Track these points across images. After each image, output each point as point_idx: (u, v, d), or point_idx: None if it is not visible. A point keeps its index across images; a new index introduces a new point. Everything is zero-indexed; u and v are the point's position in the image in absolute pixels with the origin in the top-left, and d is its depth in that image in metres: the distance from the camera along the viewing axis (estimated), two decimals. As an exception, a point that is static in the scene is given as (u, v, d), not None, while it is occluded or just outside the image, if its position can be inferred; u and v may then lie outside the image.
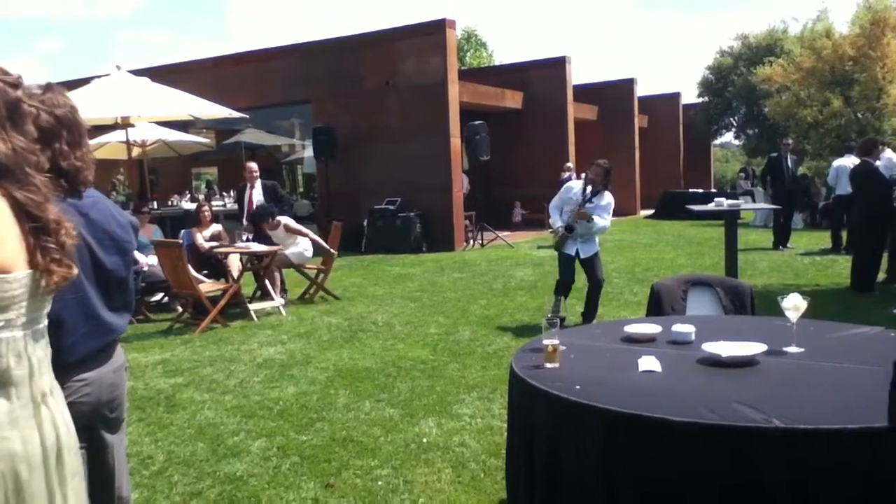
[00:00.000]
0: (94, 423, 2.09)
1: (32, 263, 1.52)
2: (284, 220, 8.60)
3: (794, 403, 2.09)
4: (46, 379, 1.58)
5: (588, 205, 6.73)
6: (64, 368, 1.94)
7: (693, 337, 2.75)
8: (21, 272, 1.49)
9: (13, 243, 1.48)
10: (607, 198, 6.84)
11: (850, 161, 10.66)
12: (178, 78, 13.31)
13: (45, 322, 1.61)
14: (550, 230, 7.00)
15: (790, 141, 13.43)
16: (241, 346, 6.56)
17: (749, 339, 2.59)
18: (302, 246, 8.61)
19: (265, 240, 8.63)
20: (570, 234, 6.76)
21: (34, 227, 1.52)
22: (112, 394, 2.15)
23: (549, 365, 2.48)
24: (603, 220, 6.77)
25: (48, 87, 2.05)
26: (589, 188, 6.79)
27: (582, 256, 6.86)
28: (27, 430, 1.49)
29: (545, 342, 2.51)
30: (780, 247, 12.56)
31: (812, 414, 1.99)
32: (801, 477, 1.86)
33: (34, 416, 1.52)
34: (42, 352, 1.57)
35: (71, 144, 2.03)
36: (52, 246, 1.55)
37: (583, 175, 7.36)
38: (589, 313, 6.93)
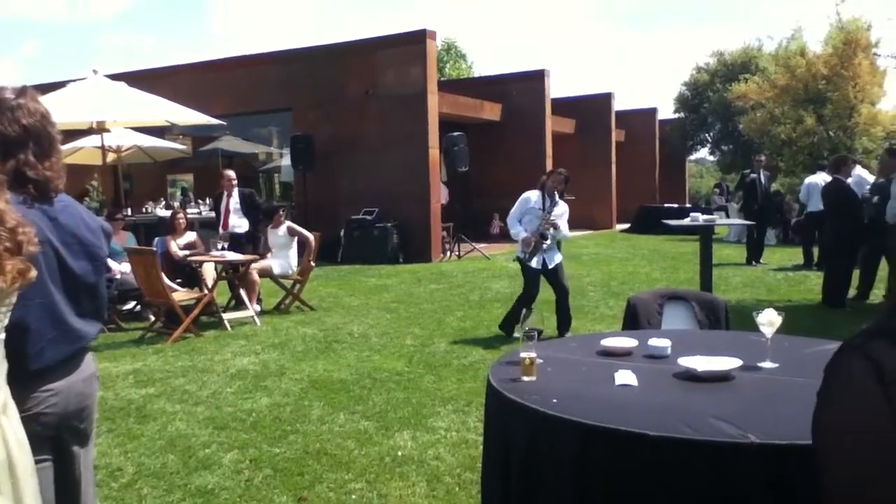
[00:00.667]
0: (60, 434, 2.03)
1: None
2: (288, 221, 8.73)
3: (770, 418, 2.10)
4: (0, 395, 1.52)
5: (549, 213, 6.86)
6: (30, 377, 1.89)
7: (669, 351, 2.75)
8: None
9: None
10: (564, 206, 6.99)
11: (822, 178, 10.83)
12: (157, 83, 13.19)
13: (2, 336, 1.56)
14: (518, 241, 6.94)
15: (763, 157, 13.62)
16: (214, 357, 6.48)
17: (724, 354, 2.60)
18: (289, 261, 8.67)
19: (240, 249, 8.59)
20: (544, 242, 6.80)
21: None
22: (81, 404, 2.09)
23: (525, 378, 2.46)
24: (566, 228, 6.97)
25: (22, 92, 1.99)
26: (556, 196, 6.84)
27: (550, 266, 6.91)
28: None
29: (522, 355, 2.50)
30: (753, 262, 12.70)
31: (787, 429, 1.99)
32: (778, 493, 1.86)
33: None
34: None
35: (38, 155, 1.98)
36: (4, 234, 1.49)
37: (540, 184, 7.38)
38: (565, 322, 6.95)
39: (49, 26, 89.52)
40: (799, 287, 10.13)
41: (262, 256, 8.68)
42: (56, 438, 2.02)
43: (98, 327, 2.20)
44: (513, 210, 7.00)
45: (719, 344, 2.93)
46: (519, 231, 6.87)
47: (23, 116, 1.96)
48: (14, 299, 1.58)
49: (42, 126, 2.00)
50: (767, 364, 2.59)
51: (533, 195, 7.01)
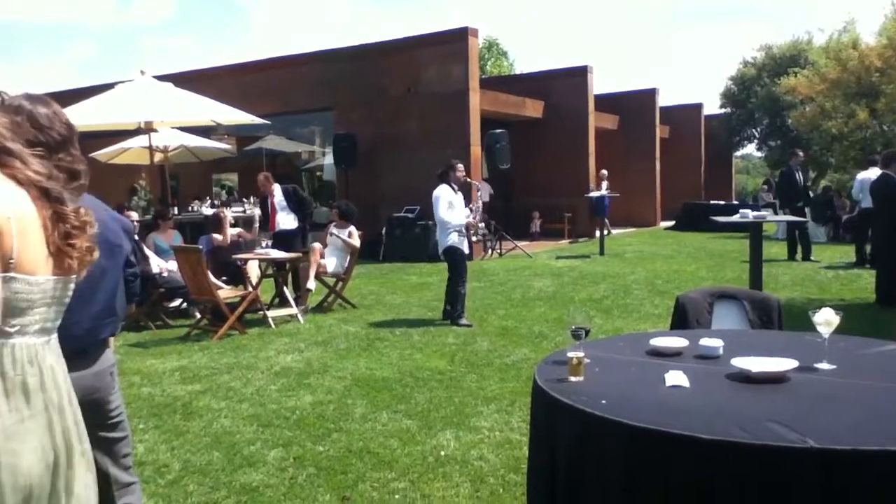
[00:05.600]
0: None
1: (52, 252, 1.48)
2: (352, 227, 8.91)
3: (829, 422, 2.02)
4: (63, 388, 1.55)
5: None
6: None
7: (721, 351, 2.67)
8: (43, 277, 1.47)
9: (36, 239, 1.45)
10: (460, 193, 7.84)
11: (875, 174, 10.49)
12: (202, 84, 13.40)
13: (56, 333, 1.58)
14: (473, 229, 7.86)
15: (801, 153, 13.43)
16: (258, 354, 6.54)
17: (779, 355, 2.52)
18: (340, 262, 8.73)
19: (285, 247, 8.66)
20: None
21: (54, 210, 1.50)
22: (90, 397, 2.17)
23: (573, 378, 2.41)
24: None
25: (44, 101, 2.02)
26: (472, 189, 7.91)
27: (468, 251, 7.91)
28: (41, 441, 1.46)
29: (570, 354, 2.44)
30: (800, 259, 12.48)
31: (848, 434, 1.91)
32: (837, 500, 1.79)
33: (47, 427, 1.48)
34: (54, 361, 1.55)
35: (77, 151, 2.07)
36: (70, 214, 1.52)
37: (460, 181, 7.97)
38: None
39: (98, 29, 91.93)
40: (851, 286, 9.84)
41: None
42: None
43: (113, 326, 2.31)
44: (442, 208, 7.56)
45: (773, 344, 2.84)
46: (460, 219, 7.62)
47: (59, 121, 2.01)
48: (71, 291, 1.60)
49: (73, 127, 2.06)
50: (825, 365, 2.49)
51: (443, 190, 7.63)
